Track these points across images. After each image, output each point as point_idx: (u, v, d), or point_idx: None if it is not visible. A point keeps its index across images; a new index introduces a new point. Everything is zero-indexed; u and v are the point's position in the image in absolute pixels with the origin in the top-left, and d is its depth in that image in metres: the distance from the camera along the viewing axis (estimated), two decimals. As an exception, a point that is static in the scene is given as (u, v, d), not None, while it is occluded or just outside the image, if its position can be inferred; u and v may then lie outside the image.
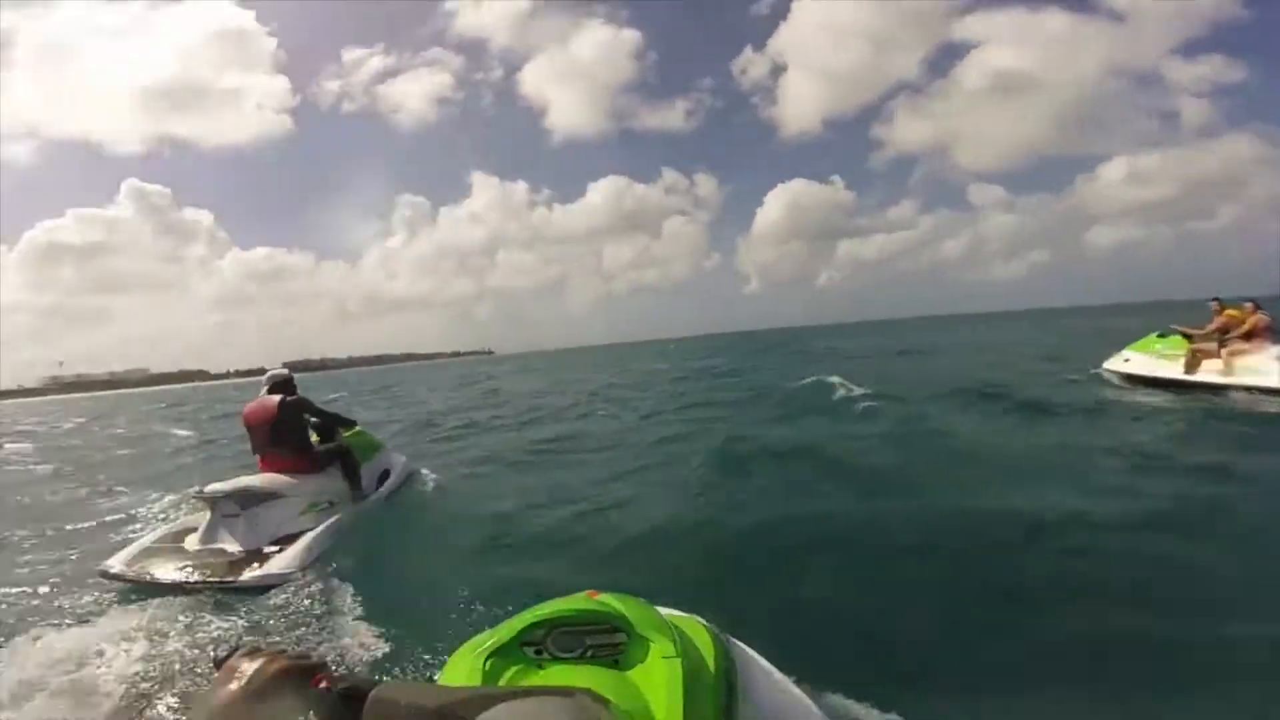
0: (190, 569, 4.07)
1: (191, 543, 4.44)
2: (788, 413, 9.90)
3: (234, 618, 3.56)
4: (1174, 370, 8.93)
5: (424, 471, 7.05)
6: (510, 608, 3.31)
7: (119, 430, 18.98)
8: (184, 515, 5.30)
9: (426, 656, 2.98)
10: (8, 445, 15.82)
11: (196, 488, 4.72)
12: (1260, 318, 8.51)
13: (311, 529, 4.49)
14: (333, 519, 4.73)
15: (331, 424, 5.57)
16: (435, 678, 1.35)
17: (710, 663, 1.25)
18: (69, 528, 5.96)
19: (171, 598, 3.79)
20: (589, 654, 1.20)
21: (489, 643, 1.24)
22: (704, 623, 1.48)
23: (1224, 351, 8.46)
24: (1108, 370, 10.24)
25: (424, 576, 4.16)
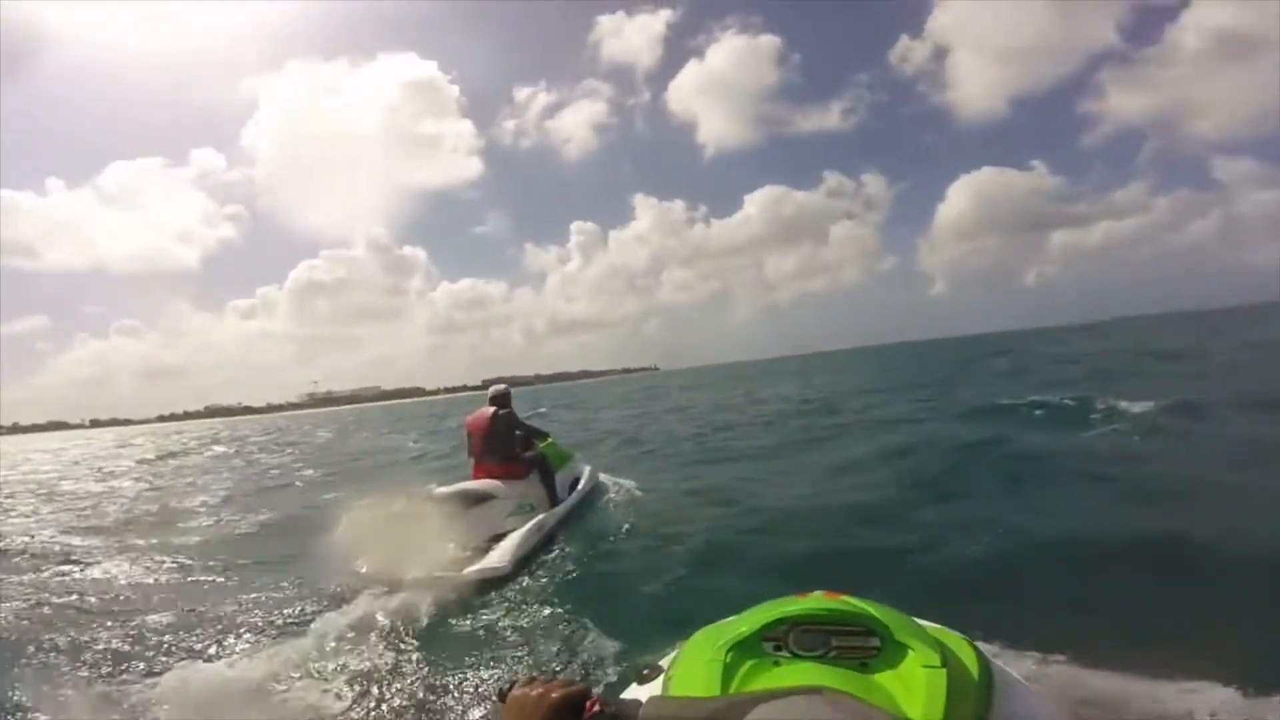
0: (420, 564, 4.53)
1: None
2: (1043, 430, 8.55)
3: (470, 612, 3.96)
4: None
5: (612, 480, 7.30)
6: (701, 610, 3.26)
7: (362, 442, 22.46)
8: None
9: (631, 652, 3.12)
10: (273, 457, 19.30)
11: (430, 488, 5.31)
12: None
13: (518, 529, 4.88)
14: (534, 520, 5.09)
15: (530, 435, 6.00)
16: (664, 662, 1.34)
17: (975, 680, 1.16)
18: (325, 528, 7.08)
19: (412, 592, 4.29)
20: (832, 654, 1.15)
21: (730, 635, 1.21)
22: (968, 639, 1.37)
23: None
24: None
25: (620, 576, 4.33)
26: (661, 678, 1.25)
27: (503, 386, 5.93)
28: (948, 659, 1.12)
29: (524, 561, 4.60)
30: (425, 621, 3.83)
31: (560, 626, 3.58)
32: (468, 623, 3.78)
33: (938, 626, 1.43)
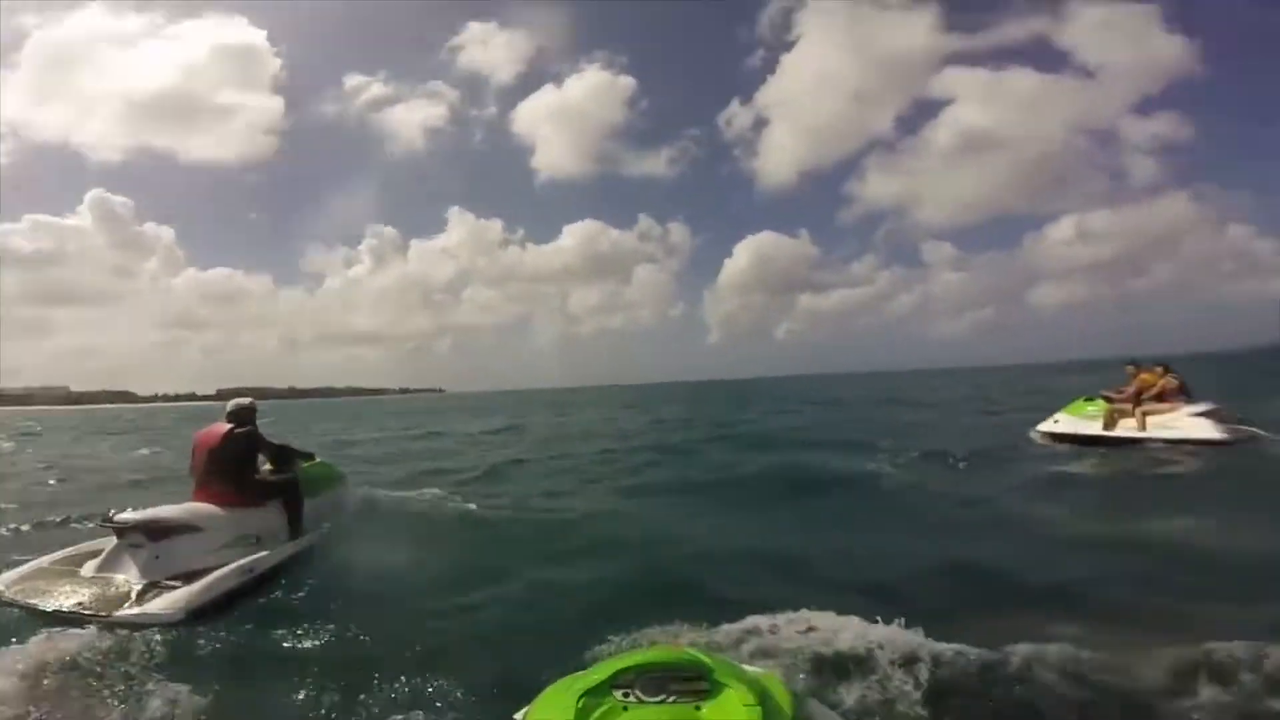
0: (74, 597, 3.83)
1: (89, 569, 4.19)
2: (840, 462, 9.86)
3: (118, 656, 3.21)
4: (1095, 428, 10.18)
5: (384, 504, 6.76)
6: (431, 669, 3.04)
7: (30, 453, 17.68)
8: (92, 540, 4.83)
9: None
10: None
11: (110, 511, 4.34)
12: (1170, 380, 9.91)
13: (218, 568, 4.15)
14: (245, 560, 4.36)
15: (288, 456, 5.28)
16: (518, 715, 1.54)
17: (788, 714, 1.39)
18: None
19: (60, 627, 3.52)
20: (671, 699, 1.34)
21: (581, 683, 1.39)
22: (783, 680, 1.65)
23: (1138, 411, 9.78)
24: (1039, 431, 11.28)
25: (341, 626, 3.70)
26: None
27: (246, 400, 5.14)
28: (764, 698, 1.34)
29: (217, 607, 3.88)
30: (57, 663, 3.11)
31: (237, 687, 3.02)
32: (111, 685, 2.98)
33: (756, 669, 1.73)
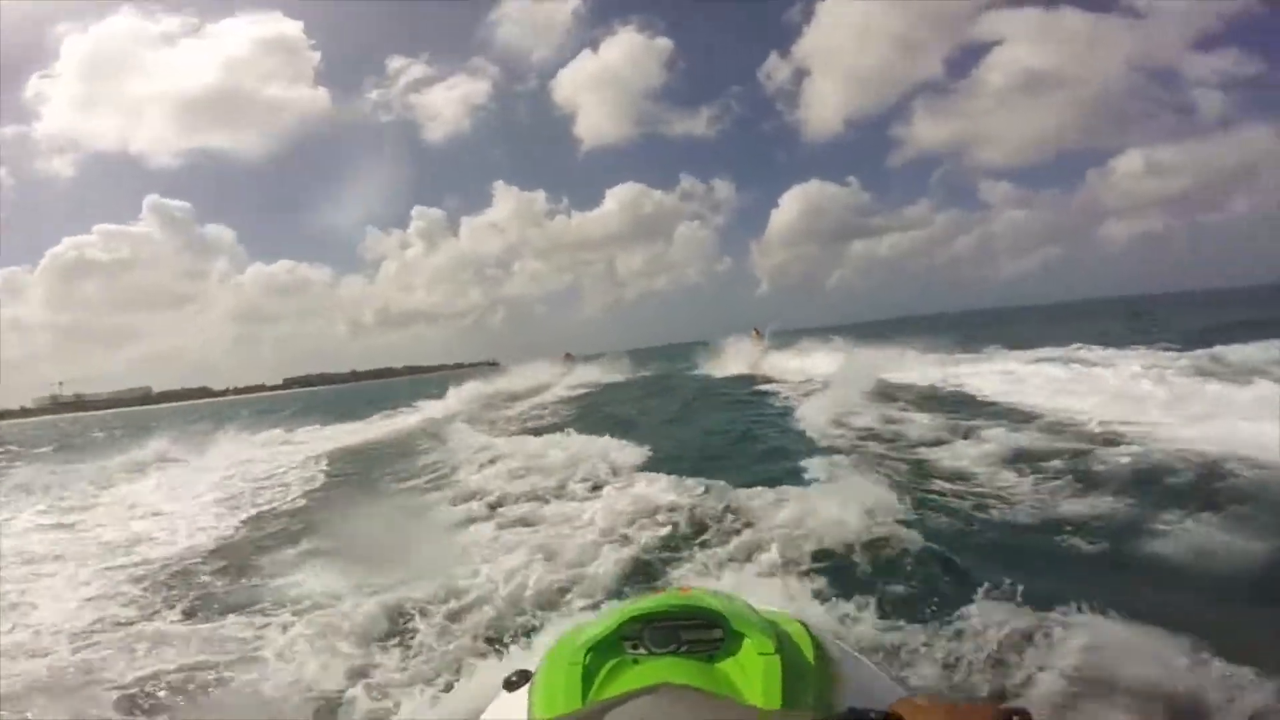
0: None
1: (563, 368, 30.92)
2: None
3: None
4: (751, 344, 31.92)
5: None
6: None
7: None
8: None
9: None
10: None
11: (565, 354, 32.28)
12: (756, 333, 29.83)
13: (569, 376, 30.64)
14: (572, 372, 30.66)
15: (570, 358, 31.37)
16: (531, 667, 1.51)
17: (810, 662, 1.38)
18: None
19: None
20: (684, 649, 1.36)
21: (587, 634, 1.42)
22: (801, 620, 1.61)
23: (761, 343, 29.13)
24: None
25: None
26: (528, 685, 1.44)
27: (569, 352, 32.15)
28: (782, 644, 1.34)
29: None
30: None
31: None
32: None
33: (775, 610, 1.72)
